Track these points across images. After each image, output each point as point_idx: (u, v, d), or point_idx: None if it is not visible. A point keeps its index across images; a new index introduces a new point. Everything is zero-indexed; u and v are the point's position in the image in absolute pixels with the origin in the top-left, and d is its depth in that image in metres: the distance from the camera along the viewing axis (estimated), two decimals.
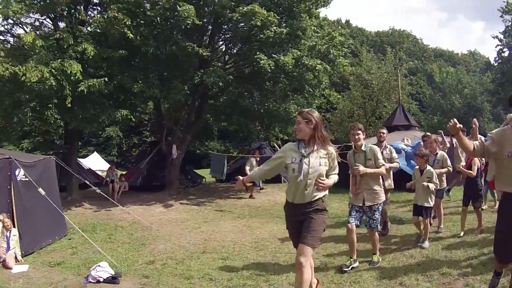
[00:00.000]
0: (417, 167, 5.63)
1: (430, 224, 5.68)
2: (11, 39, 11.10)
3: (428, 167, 5.51)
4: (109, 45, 10.50)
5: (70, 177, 11.02)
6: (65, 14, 10.75)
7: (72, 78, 9.33)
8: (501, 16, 30.88)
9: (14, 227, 5.86)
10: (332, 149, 3.44)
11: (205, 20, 11.77)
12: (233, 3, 10.70)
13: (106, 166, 23.93)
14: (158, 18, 11.10)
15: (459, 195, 7.96)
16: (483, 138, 6.15)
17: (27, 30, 10.52)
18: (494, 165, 4.32)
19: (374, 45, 43.26)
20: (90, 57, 9.68)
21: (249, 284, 4.51)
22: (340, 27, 23.52)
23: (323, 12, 48.63)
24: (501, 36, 31.82)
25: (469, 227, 6.00)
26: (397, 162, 5.95)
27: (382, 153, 5.89)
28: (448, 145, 6.98)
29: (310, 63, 11.17)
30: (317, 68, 11.28)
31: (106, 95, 10.46)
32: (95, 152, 29.72)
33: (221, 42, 14.03)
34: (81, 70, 9.46)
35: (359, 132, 4.83)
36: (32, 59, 9.08)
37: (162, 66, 11.78)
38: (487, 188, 7.37)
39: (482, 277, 4.03)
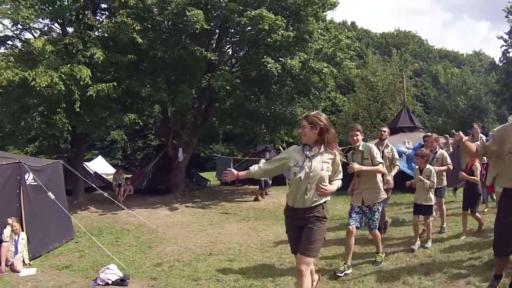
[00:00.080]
0: (418, 167, 5.66)
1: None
2: (19, 44, 11.15)
3: (428, 166, 5.54)
4: (118, 50, 10.57)
5: (76, 181, 11.06)
6: (73, 19, 10.85)
7: (81, 82, 9.42)
8: (506, 17, 30.81)
9: (22, 231, 5.93)
10: (337, 153, 3.38)
11: (212, 24, 11.78)
12: (241, 7, 10.74)
13: (110, 169, 24.02)
14: (167, 23, 11.17)
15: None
16: (484, 138, 6.17)
17: (36, 35, 10.58)
18: (494, 167, 4.35)
19: (380, 47, 43.08)
20: (99, 62, 9.77)
21: (256, 285, 4.59)
22: (346, 30, 23.51)
23: (329, 15, 48.59)
24: (506, 37, 31.71)
25: (471, 227, 6.02)
26: (397, 165, 5.96)
27: (383, 151, 5.94)
28: (451, 149, 6.98)
29: (316, 66, 11.21)
30: (323, 71, 11.32)
31: (114, 99, 10.54)
32: (99, 156, 29.66)
33: (228, 46, 14.03)
34: (90, 75, 9.54)
35: (358, 133, 4.88)
36: (42, 64, 9.17)
37: (170, 70, 11.83)
38: (488, 192, 7.34)
39: (484, 276, 4.07)
